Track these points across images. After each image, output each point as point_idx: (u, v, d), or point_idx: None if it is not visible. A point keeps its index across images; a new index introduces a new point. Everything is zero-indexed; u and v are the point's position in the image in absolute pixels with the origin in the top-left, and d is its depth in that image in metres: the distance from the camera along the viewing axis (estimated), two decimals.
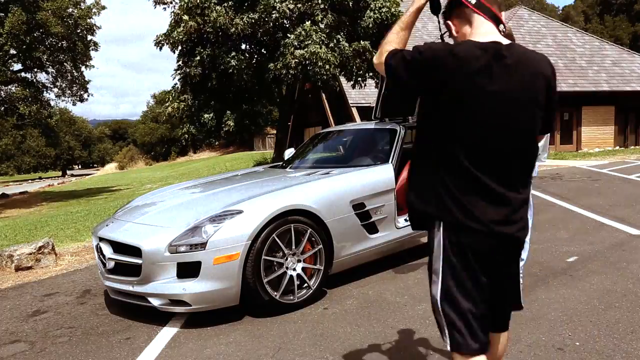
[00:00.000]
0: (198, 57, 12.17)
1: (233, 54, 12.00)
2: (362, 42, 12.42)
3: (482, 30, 1.71)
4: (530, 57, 1.71)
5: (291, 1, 11.65)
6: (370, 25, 12.38)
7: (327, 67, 11.49)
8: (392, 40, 1.82)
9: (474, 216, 1.62)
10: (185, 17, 11.86)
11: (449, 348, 1.74)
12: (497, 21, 1.75)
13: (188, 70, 12.50)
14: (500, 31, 1.74)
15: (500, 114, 1.62)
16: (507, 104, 1.63)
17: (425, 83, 1.67)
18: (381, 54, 1.79)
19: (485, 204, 1.63)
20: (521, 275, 1.96)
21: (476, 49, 1.62)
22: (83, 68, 20.22)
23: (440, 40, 1.89)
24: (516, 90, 1.63)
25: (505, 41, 1.70)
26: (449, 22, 1.85)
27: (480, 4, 1.73)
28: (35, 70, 19.53)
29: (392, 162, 4.21)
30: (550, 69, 1.73)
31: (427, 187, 1.70)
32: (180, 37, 12.01)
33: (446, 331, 1.76)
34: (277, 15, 11.58)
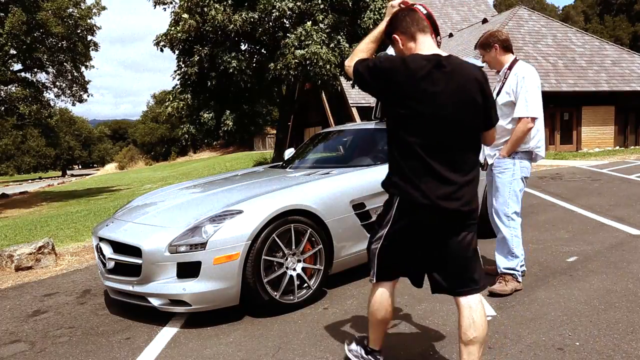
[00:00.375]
0: (197, 57, 12.17)
1: (233, 54, 12.00)
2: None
3: (426, 46, 2.18)
4: (464, 66, 2.14)
5: (290, 0, 11.65)
6: (370, 26, 12.38)
7: (328, 67, 11.49)
8: (363, 50, 2.35)
9: (425, 194, 2.09)
10: (185, 16, 11.87)
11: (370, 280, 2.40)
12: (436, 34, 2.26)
13: (187, 69, 12.51)
14: (437, 43, 2.24)
15: (442, 112, 2.06)
16: (447, 104, 2.06)
17: (383, 85, 2.14)
18: (352, 59, 2.29)
19: (434, 184, 2.08)
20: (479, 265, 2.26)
21: (422, 60, 2.09)
22: (83, 68, 20.23)
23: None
24: (454, 92, 2.07)
25: (444, 53, 2.15)
26: (396, 36, 2.26)
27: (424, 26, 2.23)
28: (35, 70, 19.54)
29: None
30: (481, 74, 2.16)
31: (392, 172, 2.21)
32: (179, 35, 12.01)
33: (371, 266, 2.37)
34: (277, 14, 11.58)
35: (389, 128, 2.20)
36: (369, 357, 2.47)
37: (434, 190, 2.08)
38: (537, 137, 3.53)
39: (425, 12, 2.24)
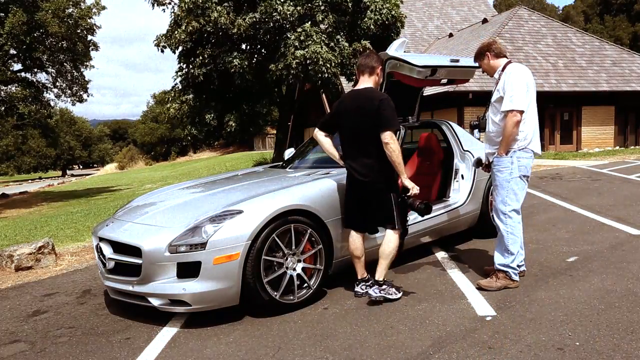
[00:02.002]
0: (200, 58, 12.16)
1: (235, 54, 12.00)
2: (362, 42, 12.40)
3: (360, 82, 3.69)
4: (367, 92, 3.57)
5: (291, 3, 11.65)
6: (371, 26, 12.38)
7: (328, 66, 11.48)
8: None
9: (352, 168, 3.57)
10: (187, 18, 11.87)
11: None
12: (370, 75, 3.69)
13: (192, 70, 12.49)
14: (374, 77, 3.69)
15: (351, 120, 3.57)
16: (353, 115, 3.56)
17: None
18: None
19: (354, 164, 3.56)
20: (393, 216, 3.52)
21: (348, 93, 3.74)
22: (83, 68, 20.22)
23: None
24: (357, 107, 3.55)
25: (359, 87, 3.65)
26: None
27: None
28: (35, 70, 19.53)
29: None
30: (378, 96, 3.51)
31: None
32: (182, 36, 12.00)
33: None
34: (278, 17, 11.58)
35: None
36: (365, 284, 3.63)
37: (353, 167, 3.57)
38: (531, 133, 3.58)
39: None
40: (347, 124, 3.58)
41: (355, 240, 3.62)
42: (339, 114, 3.65)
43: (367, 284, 3.62)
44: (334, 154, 3.83)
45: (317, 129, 3.85)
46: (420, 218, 4.40)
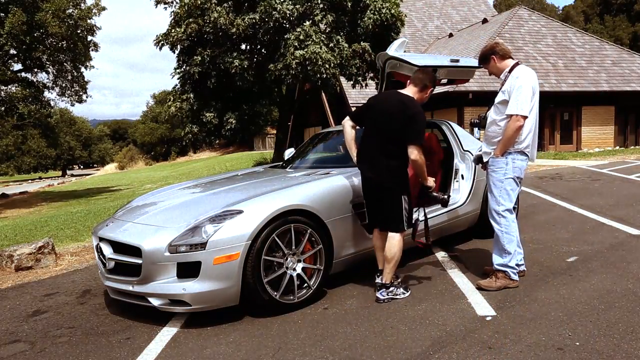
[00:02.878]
0: (199, 57, 12.16)
1: (235, 54, 11.99)
2: (361, 44, 12.40)
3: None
4: (407, 99, 3.55)
5: (290, 2, 11.64)
6: (370, 26, 12.36)
7: (327, 66, 11.48)
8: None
9: (366, 166, 3.65)
10: (187, 18, 11.87)
11: None
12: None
13: (188, 68, 12.50)
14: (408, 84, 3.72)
15: (381, 118, 3.59)
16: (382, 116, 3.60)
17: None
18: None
19: (369, 161, 3.63)
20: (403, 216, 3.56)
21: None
22: (83, 68, 20.21)
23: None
24: (391, 107, 3.55)
25: (403, 91, 3.65)
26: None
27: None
28: (36, 70, 19.52)
29: None
30: (414, 107, 3.49)
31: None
32: (180, 35, 12.00)
33: None
34: (278, 16, 11.58)
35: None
36: (393, 288, 3.60)
37: (364, 168, 3.69)
38: (529, 138, 3.59)
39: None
40: (376, 120, 3.60)
41: (376, 239, 3.70)
42: (371, 108, 3.66)
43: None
44: (352, 149, 3.84)
45: (347, 118, 3.90)
46: (420, 218, 4.40)
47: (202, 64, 12.19)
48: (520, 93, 3.45)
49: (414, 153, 3.43)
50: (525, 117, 3.46)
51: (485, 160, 3.76)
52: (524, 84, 3.47)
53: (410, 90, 3.63)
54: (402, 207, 3.53)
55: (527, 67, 3.63)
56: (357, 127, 3.86)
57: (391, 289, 3.57)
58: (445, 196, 3.81)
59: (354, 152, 3.82)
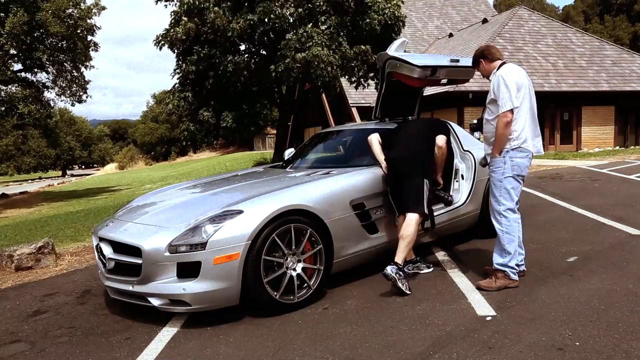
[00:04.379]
0: (195, 56, 12.17)
1: (229, 57, 11.96)
2: (363, 47, 12.37)
3: None
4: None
5: (291, 5, 11.62)
6: (375, 26, 12.34)
7: (329, 69, 11.46)
8: None
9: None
10: (185, 18, 11.86)
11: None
12: None
13: (186, 67, 12.49)
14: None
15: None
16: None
17: None
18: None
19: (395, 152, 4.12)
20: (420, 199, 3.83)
21: None
22: (83, 68, 20.20)
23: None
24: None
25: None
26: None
27: None
28: (36, 70, 19.51)
29: None
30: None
31: None
32: (179, 35, 11.99)
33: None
34: (277, 20, 11.55)
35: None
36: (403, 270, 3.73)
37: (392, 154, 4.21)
38: (525, 133, 3.58)
39: None
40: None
41: (400, 220, 3.95)
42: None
43: (413, 264, 4.09)
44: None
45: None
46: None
47: (199, 62, 12.19)
48: (501, 90, 3.51)
49: (440, 140, 4.12)
50: (511, 111, 3.48)
51: (488, 160, 3.81)
52: (505, 79, 3.52)
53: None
54: (424, 190, 3.86)
55: (511, 65, 3.67)
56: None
57: (417, 264, 4.04)
58: (449, 197, 3.97)
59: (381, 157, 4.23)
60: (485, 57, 3.78)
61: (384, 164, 4.11)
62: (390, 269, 3.57)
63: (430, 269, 4.08)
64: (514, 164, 3.58)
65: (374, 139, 4.30)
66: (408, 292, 3.61)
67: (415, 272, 3.98)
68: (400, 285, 3.56)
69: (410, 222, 3.73)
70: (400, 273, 3.61)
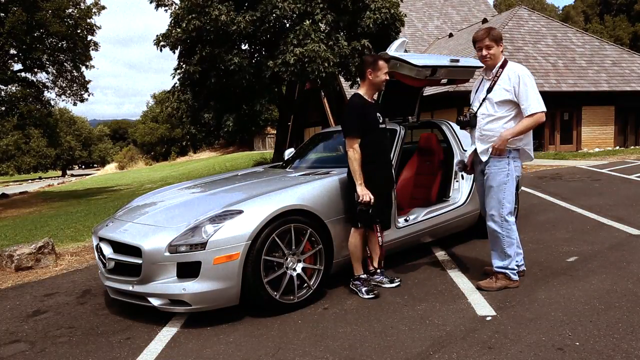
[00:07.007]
0: (198, 55, 12.16)
1: (235, 51, 11.98)
2: (361, 41, 12.37)
3: None
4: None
5: (292, 1, 11.64)
6: (370, 25, 12.35)
7: (326, 64, 11.46)
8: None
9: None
10: (188, 17, 11.86)
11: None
12: None
13: (188, 68, 12.49)
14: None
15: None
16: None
17: None
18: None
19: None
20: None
21: None
22: (83, 68, 20.22)
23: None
24: None
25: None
26: None
27: None
28: (36, 70, 19.52)
29: (392, 161, 4.21)
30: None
31: None
32: (180, 35, 12.00)
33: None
34: (279, 13, 11.57)
35: None
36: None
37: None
38: (530, 136, 3.60)
39: None
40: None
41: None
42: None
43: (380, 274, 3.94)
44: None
45: None
46: (420, 218, 4.41)
47: (202, 62, 12.18)
48: (535, 89, 3.44)
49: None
50: (544, 112, 3.45)
51: (484, 159, 3.62)
52: (531, 80, 3.46)
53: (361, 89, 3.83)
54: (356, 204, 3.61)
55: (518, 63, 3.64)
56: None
57: (356, 282, 3.76)
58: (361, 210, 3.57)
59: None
60: (501, 42, 3.59)
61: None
62: (350, 284, 3.76)
63: (395, 284, 3.82)
64: (516, 165, 3.56)
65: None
66: (369, 296, 3.62)
67: (377, 285, 3.81)
68: (360, 295, 3.65)
69: (351, 236, 3.70)
70: (357, 282, 3.73)
